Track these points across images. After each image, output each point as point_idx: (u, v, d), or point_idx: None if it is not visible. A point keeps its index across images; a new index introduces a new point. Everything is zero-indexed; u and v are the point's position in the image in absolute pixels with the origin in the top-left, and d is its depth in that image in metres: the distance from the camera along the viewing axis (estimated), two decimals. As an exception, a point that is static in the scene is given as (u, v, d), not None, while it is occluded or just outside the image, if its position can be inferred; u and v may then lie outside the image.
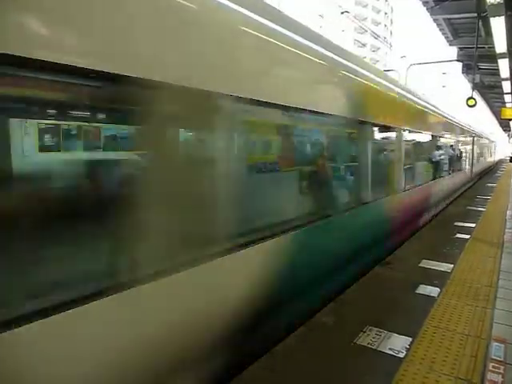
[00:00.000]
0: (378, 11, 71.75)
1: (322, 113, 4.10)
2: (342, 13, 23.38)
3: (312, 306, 4.02)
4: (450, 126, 12.01)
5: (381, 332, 3.46)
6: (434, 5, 12.66)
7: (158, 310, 2.40)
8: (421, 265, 5.40)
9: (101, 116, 2.85)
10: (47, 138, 2.60)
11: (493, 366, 2.93)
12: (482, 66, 16.66)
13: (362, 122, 5.12)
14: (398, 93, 6.80)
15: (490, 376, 2.81)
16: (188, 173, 2.63)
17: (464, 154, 15.03)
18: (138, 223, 2.30)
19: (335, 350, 3.19)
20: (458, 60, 17.69)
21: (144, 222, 2.32)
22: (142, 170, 2.46)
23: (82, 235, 2.23)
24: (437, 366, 2.95)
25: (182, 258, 2.48)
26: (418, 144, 8.75)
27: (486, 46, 12.90)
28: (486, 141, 26.93)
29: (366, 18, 64.10)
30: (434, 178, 9.65)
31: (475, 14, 11.77)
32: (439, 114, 10.50)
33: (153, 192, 2.37)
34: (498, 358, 3.04)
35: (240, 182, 3.05)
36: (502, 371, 2.87)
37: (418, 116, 8.31)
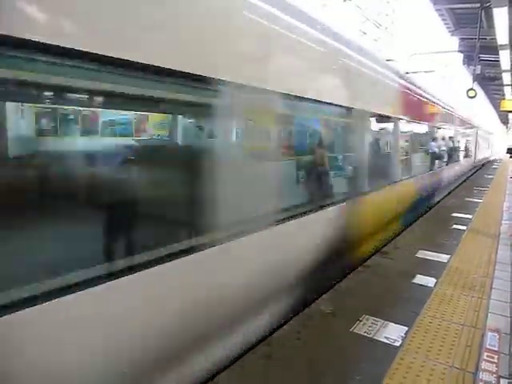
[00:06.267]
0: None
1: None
2: (345, 0, 23.15)
3: None
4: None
5: (377, 321, 3.49)
6: (436, -6, 12.55)
7: None
8: (418, 255, 5.43)
9: None
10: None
11: (487, 356, 2.97)
12: (483, 57, 16.56)
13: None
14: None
15: (484, 365, 2.85)
16: None
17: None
18: None
19: (332, 338, 3.22)
20: (459, 51, 17.58)
21: None
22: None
23: None
24: (432, 355, 2.99)
25: None
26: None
27: (488, 37, 12.83)
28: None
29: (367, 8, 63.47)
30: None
31: (478, 5, 11.69)
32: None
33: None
34: (493, 348, 3.08)
35: None
36: (496, 360, 2.91)
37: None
